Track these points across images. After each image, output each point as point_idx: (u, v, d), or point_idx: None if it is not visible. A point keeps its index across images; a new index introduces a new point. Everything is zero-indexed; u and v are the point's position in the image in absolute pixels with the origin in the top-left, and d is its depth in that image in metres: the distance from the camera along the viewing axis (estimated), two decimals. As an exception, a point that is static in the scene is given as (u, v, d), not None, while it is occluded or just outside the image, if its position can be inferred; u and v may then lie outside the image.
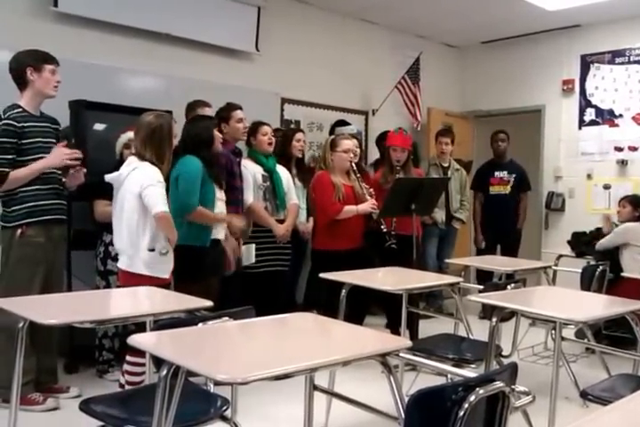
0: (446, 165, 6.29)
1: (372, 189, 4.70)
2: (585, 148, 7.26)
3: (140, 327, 2.64)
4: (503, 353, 3.32)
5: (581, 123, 7.30)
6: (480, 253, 6.50)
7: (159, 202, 3.30)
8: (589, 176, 7.21)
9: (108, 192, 3.67)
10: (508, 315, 3.09)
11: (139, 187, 3.31)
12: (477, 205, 6.71)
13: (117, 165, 4.05)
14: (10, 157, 3.47)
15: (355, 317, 3.82)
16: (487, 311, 4.30)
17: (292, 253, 4.80)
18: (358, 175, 4.72)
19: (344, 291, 3.41)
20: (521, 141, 7.08)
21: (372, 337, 2.22)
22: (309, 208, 5.06)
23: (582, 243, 5.55)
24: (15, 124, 3.48)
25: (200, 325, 2.24)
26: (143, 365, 3.18)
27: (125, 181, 3.38)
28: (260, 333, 2.23)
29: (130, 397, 2.62)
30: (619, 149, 7.01)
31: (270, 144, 4.69)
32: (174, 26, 5.32)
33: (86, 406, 2.25)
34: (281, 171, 4.77)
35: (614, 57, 7.03)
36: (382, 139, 5.71)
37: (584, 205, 7.23)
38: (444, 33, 7.58)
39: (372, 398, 2.21)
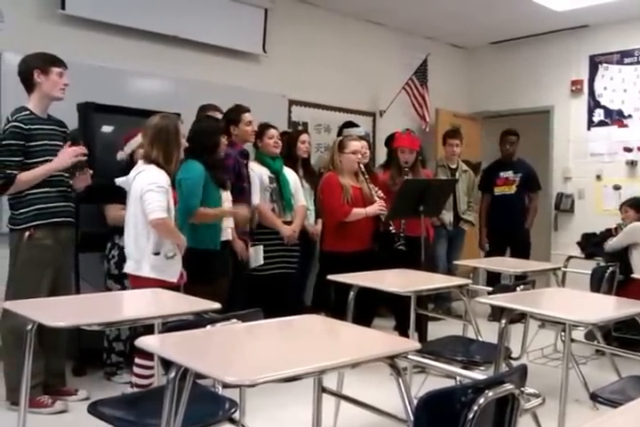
0: (454, 166, 6.27)
1: (380, 191, 4.69)
2: (594, 148, 7.23)
3: (148, 330, 2.64)
4: (512, 355, 3.31)
5: (590, 123, 7.28)
6: (489, 254, 6.46)
7: (155, 209, 3.28)
8: (599, 177, 7.18)
9: (119, 196, 3.68)
10: (517, 317, 3.08)
11: (140, 191, 3.32)
12: (483, 207, 6.64)
13: (127, 165, 4.08)
14: (17, 159, 3.48)
15: (363, 319, 3.81)
16: (496, 313, 4.29)
17: (300, 255, 4.79)
18: (367, 176, 4.71)
19: (352, 293, 3.41)
20: (529, 142, 7.05)
21: (380, 339, 2.21)
22: (317, 210, 5.06)
23: (592, 244, 5.53)
24: (22, 126, 3.49)
25: (208, 327, 2.24)
26: (152, 367, 3.19)
27: (132, 185, 3.39)
28: (268, 335, 2.22)
29: (138, 399, 2.62)
30: (628, 150, 6.97)
31: (276, 146, 4.70)
32: (182, 28, 5.33)
33: (94, 409, 2.25)
34: (288, 173, 4.78)
35: (623, 57, 7.01)
36: (390, 140, 5.70)
37: (593, 206, 7.20)
38: (451, 34, 7.57)
39: (381, 401, 2.20)
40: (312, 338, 2.21)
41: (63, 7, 4.68)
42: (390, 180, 4.99)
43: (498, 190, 6.55)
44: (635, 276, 4.51)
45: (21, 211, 3.54)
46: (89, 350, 4.27)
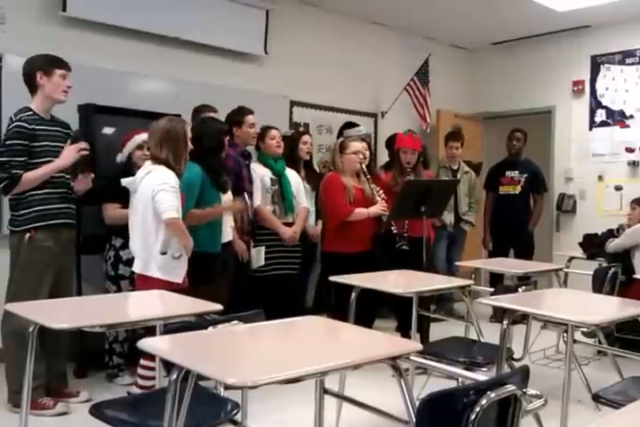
0: (456, 167, 6.27)
1: (381, 191, 4.69)
2: (596, 149, 7.22)
3: (150, 331, 2.64)
4: (514, 356, 3.30)
5: (592, 124, 7.27)
6: (491, 255, 6.45)
7: (168, 208, 3.31)
8: (600, 178, 7.17)
9: (117, 195, 3.69)
10: (519, 318, 3.07)
11: (151, 191, 3.34)
12: (487, 206, 6.64)
13: (126, 165, 4.09)
14: (22, 159, 3.48)
15: (364, 320, 3.81)
16: (498, 314, 4.28)
17: (301, 257, 4.79)
18: (368, 177, 4.71)
19: (354, 294, 3.40)
20: (531, 143, 7.03)
21: (382, 340, 2.21)
22: (318, 211, 5.06)
23: (594, 245, 5.51)
24: (27, 126, 3.49)
25: (210, 328, 2.24)
26: (154, 369, 3.18)
27: (140, 185, 3.41)
28: (270, 336, 2.22)
29: (140, 401, 2.63)
30: (630, 151, 6.97)
31: (278, 148, 4.70)
32: (183, 29, 5.34)
33: (96, 411, 2.25)
34: (290, 174, 4.77)
35: (625, 57, 7.00)
36: (392, 141, 5.69)
37: (595, 207, 7.19)
38: (453, 35, 7.57)
39: (383, 402, 2.19)
40: (314, 339, 2.21)
41: (64, 9, 4.68)
42: (392, 180, 4.98)
43: (502, 190, 6.54)
44: (637, 276, 4.51)
45: (22, 212, 3.54)
46: (90, 351, 4.28)
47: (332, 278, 3.45)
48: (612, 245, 5.09)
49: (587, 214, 7.21)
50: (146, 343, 1.94)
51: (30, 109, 3.57)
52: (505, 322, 2.85)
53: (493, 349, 3.20)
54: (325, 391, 2.41)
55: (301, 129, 6.09)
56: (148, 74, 5.19)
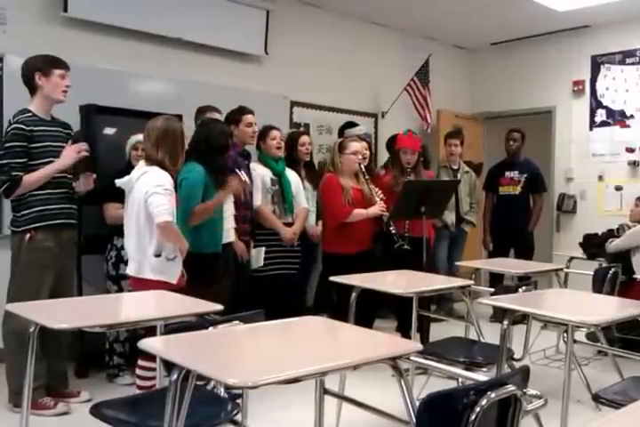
0: (456, 167, 6.27)
1: (380, 192, 4.69)
2: (596, 149, 7.22)
3: (150, 332, 2.64)
4: (515, 356, 3.30)
5: (592, 124, 7.27)
6: (492, 256, 6.45)
7: (161, 211, 3.26)
8: (601, 178, 7.17)
9: (118, 195, 3.69)
10: (519, 318, 3.07)
11: (144, 193, 3.30)
12: (487, 206, 6.65)
13: (126, 167, 4.09)
14: (22, 160, 3.49)
15: (365, 320, 3.81)
16: (498, 314, 4.28)
17: (301, 257, 4.79)
18: (367, 177, 4.71)
19: (354, 294, 3.40)
20: (531, 143, 7.04)
21: (382, 341, 2.22)
22: (319, 211, 5.06)
23: (594, 245, 5.51)
24: (24, 127, 3.49)
25: (210, 329, 2.24)
26: (154, 369, 3.18)
27: (135, 186, 3.38)
28: (270, 336, 2.22)
29: (140, 401, 2.63)
30: (630, 151, 6.97)
31: (279, 148, 4.70)
32: (184, 30, 5.34)
33: (97, 411, 2.26)
34: (290, 175, 4.77)
35: (625, 57, 7.00)
36: (392, 142, 5.69)
37: (596, 207, 7.19)
38: (453, 35, 7.57)
39: (383, 402, 2.20)
40: (314, 339, 2.21)
41: (65, 10, 4.68)
42: (392, 180, 4.98)
43: (502, 190, 6.54)
44: (637, 277, 4.51)
45: (23, 213, 3.55)
46: (91, 351, 4.28)
47: (332, 279, 3.45)
48: (612, 245, 5.09)
49: (587, 214, 7.21)
50: (146, 343, 1.94)
51: (29, 111, 3.57)
52: (505, 322, 2.85)
53: (493, 349, 3.20)
54: (325, 391, 2.41)
55: (301, 129, 6.10)
56: (149, 74, 5.19)
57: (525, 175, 6.46)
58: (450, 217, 6.05)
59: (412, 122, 7.00)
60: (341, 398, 2.74)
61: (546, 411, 2.03)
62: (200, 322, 2.39)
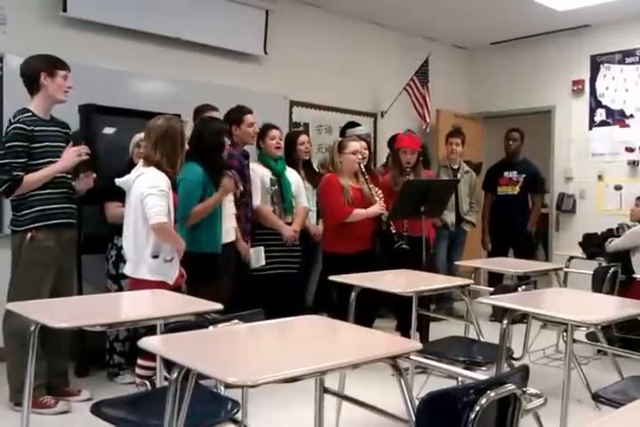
0: (456, 167, 6.27)
1: (380, 191, 4.69)
2: (595, 148, 7.22)
3: (150, 330, 2.64)
4: (514, 356, 3.30)
5: (592, 123, 7.27)
6: (491, 255, 6.45)
7: (156, 213, 3.25)
8: (600, 177, 7.17)
9: (119, 194, 3.69)
10: (518, 317, 3.08)
11: (140, 194, 3.30)
12: (486, 206, 6.65)
13: (128, 165, 4.09)
14: (22, 160, 3.49)
15: (364, 319, 3.81)
16: (498, 314, 4.29)
17: (302, 256, 4.79)
18: (367, 177, 4.71)
19: (354, 293, 3.41)
20: (531, 143, 7.05)
21: (382, 340, 2.22)
22: (319, 210, 5.06)
23: (593, 244, 5.51)
24: (25, 127, 3.49)
25: (210, 328, 2.24)
26: (154, 368, 3.19)
27: (132, 187, 3.38)
28: (270, 335, 2.23)
29: (141, 400, 2.63)
30: (630, 150, 6.97)
31: (278, 148, 4.71)
32: (183, 30, 5.34)
33: (97, 410, 2.26)
34: (290, 174, 4.77)
35: (624, 57, 7.00)
36: (392, 141, 5.70)
37: (595, 207, 7.19)
38: (452, 34, 7.57)
39: (383, 401, 2.20)
40: (314, 339, 2.21)
41: (65, 9, 4.69)
42: (392, 180, 4.98)
43: (501, 190, 6.54)
44: (637, 276, 4.51)
45: (23, 212, 3.55)
46: (91, 350, 4.28)
47: (332, 278, 3.45)
48: (612, 245, 5.09)
49: (586, 214, 7.21)
50: (146, 342, 1.94)
51: (29, 110, 3.57)
52: (505, 321, 2.85)
53: (493, 348, 3.20)
54: (325, 390, 2.41)
55: (300, 129, 6.10)
56: (149, 74, 5.19)
57: (524, 175, 6.46)
58: (450, 217, 6.06)
59: (411, 121, 7.01)
60: (341, 397, 2.74)
61: (545, 410, 2.03)
62: (200, 321, 2.39)
